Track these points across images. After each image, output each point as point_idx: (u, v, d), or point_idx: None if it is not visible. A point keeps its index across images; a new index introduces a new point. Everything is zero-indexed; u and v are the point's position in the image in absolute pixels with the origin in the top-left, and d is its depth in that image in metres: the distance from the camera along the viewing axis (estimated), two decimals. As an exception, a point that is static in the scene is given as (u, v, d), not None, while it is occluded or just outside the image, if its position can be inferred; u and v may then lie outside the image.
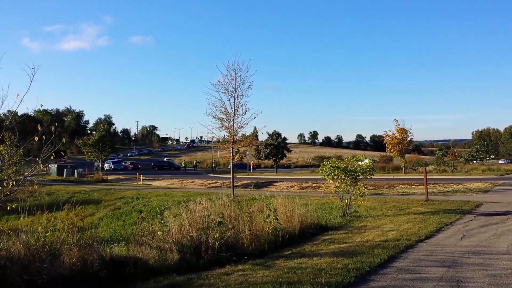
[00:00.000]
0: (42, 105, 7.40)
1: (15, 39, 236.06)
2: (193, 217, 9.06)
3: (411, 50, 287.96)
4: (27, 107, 6.92)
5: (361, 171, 13.37)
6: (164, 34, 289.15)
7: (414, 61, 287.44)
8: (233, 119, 21.01)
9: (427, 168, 28.21)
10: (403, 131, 43.64)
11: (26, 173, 7.34)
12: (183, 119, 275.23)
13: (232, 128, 21.14)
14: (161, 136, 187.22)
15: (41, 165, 7.18)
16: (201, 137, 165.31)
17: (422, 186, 19.80)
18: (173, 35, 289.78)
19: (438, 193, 20.52)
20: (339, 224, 12.01)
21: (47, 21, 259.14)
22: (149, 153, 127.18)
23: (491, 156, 62.62)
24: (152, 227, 8.58)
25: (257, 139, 74.46)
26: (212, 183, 36.48)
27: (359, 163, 13.68)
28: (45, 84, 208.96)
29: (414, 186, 24.45)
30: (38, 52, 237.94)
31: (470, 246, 8.22)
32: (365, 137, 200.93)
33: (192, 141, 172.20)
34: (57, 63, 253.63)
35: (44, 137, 7.19)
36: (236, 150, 23.17)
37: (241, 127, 21.35)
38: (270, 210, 9.77)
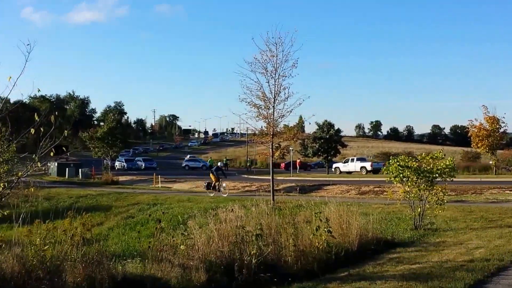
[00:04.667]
0: (39, 90, 7.64)
1: (14, 9, 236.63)
2: (223, 228, 9.15)
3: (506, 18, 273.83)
4: (21, 93, 7.09)
5: (439, 171, 13.21)
6: (195, 2, 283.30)
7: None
8: (273, 106, 20.96)
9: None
10: (494, 121, 42.52)
11: (20, 173, 7.58)
12: (211, 107, 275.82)
13: (272, 117, 21.10)
14: (183, 127, 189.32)
15: (39, 163, 7.40)
16: (232, 129, 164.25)
17: (520, 191, 19.18)
18: (205, 3, 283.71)
19: (542, 200, 19.87)
20: (410, 239, 11.99)
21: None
22: (145, 151, 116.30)
23: None
24: (174, 240, 8.73)
25: (303, 131, 74.29)
26: (247, 186, 36.65)
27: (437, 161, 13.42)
28: (43, 65, 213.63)
29: (508, 192, 23.87)
30: (40, 25, 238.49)
31: None
32: (444, 128, 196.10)
33: (215, 134, 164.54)
34: (62, 39, 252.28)
35: (42, 129, 7.37)
36: (276, 144, 23.11)
37: (282, 116, 21.30)
38: (321, 220, 9.75)
